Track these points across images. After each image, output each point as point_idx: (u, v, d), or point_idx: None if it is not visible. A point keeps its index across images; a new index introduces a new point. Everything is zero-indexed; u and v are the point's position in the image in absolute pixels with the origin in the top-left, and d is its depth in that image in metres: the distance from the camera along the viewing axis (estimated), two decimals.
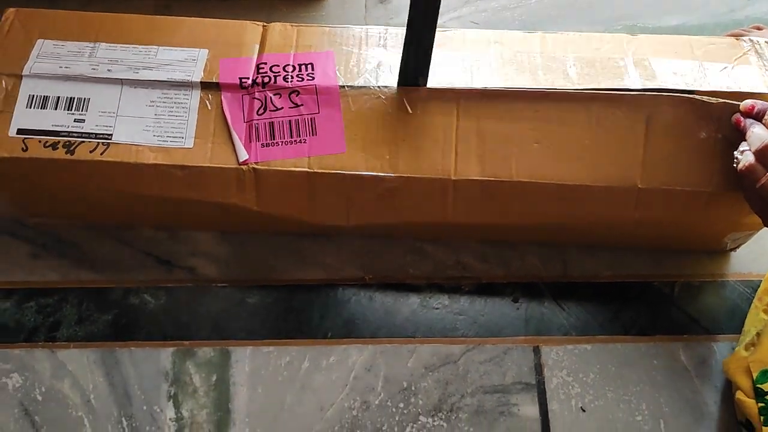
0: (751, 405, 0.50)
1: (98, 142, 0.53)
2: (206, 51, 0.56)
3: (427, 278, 0.60)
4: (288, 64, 0.56)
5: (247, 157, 0.53)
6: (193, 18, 0.59)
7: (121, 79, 0.54)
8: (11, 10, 0.58)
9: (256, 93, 0.54)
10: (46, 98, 0.54)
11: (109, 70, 0.55)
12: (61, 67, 0.55)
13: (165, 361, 0.56)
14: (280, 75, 0.55)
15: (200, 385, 0.55)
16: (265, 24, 0.59)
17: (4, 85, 0.54)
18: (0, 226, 0.61)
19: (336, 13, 0.75)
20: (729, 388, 0.55)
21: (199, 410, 0.55)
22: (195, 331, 0.57)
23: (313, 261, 0.61)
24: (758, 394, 0.50)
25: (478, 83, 0.55)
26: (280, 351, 0.57)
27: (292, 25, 0.59)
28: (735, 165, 0.50)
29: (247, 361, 0.56)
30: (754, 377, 0.51)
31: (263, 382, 0.56)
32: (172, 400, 0.55)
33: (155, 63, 0.55)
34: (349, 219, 0.57)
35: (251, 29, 0.58)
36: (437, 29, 0.55)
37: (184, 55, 0.56)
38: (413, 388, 0.56)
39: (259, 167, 0.53)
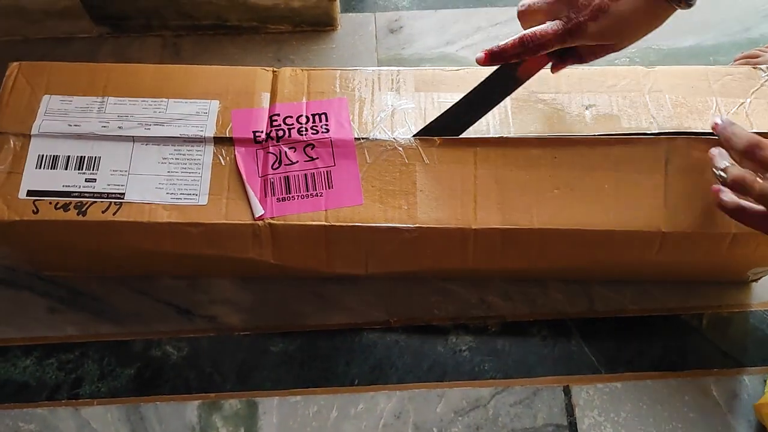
0: None
1: (110, 202, 0.52)
2: (217, 102, 0.55)
3: (452, 319, 0.59)
4: (301, 115, 0.55)
5: (262, 212, 0.52)
6: (201, 66, 0.58)
7: (132, 136, 0.53)
8: (15, 64, 0.56)
9: (271, 147, 0.53)
10: (56, 158, 0.53)
11: (119, 127, 0.54)
12: (70, 125, 0.54)
13: (191, 415, 0.55)
14: (293, 128, 0.54)
15: None
16: (275, 70, 0.57)
17: (12, 145, 0.53)
18: (17, 280, 0.60)
19: (347, 44, 0.73)
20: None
21: None
22: (220, 383, 0.57)
23: (335, 305, 0.60)
24: None
25: (494, 130, 0.54)
26: (308, 400, 0.56)
27: (302, 70, 0.57)
28: (720, 179, 0.48)
29: (275, 412, 0.56)
30: None
31: None
32: None
33: (166, 117, 0.54)
34: (368, 268, 0.56)
35: (261, 76, 0.57)
36: (453, 68, 0.54)
37: (195, 108, 0.55)
38: None
39: (275, 222, 0.52)
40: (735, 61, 0.71)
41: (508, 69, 0.51)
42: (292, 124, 0.54)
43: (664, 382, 0.57)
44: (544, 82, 0.56)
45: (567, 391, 0.57)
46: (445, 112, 0.54)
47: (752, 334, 0.59)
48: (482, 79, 0.53)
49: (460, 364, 0.58)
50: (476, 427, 0.55)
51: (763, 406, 0.53)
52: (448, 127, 0.53)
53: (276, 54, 0.72)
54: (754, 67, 0.58)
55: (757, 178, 0.44)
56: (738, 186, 0.45)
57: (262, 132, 0.54)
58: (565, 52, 0.51)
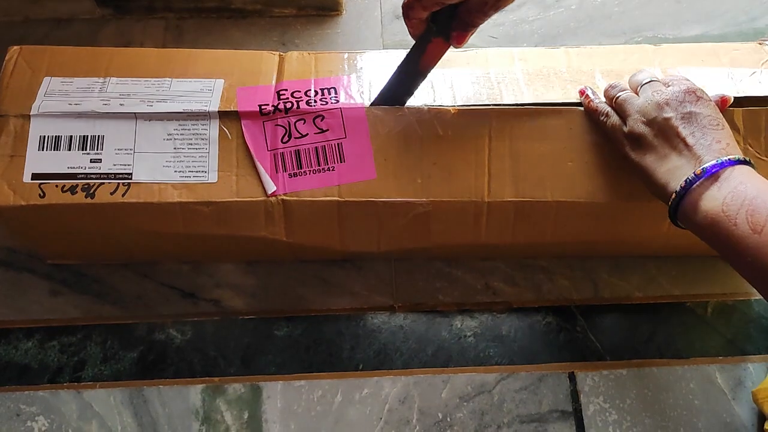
0: None
1: (118, 183, 0.50)
2: (222, 81, 0.54)
3: (457, 304, 0.59)
4: (309, 89, 0.54)
5: (274, 188, 0.51)
6: (205, 50, 0.57)
7: (134, 113, 0.52)
8: (15, 48, 0.55)
9: (279, 119, 0.52)
10: (58, 138, 0.51)
11: (121, 105, 0.52)
12: (70, 104, 0.52)
13: (195, 399, 0.55)
14: (302, 100, 0.53)
15: (232, 423, 0.54)
16: (281, 54, 0.57)
17: (12, 128, 0.51)
18: (18, 263, 0.60)
19: (352, 29, 0.73)
20: None
21: None
22: (224, 367, 0.56)
23: (340, 289, 0.59)
24: None
25: (508, 99, 0.53)
26: (312, 385, 0.56)
27: (309, 53, 0.57)
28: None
29: (279, 396, 0.55)
30: None
31: (296, 418, 0.54)
32: None
33: (169, 95, 0.53)
34: (380, 245, 0.56)
35: (267, 59, 0.56)
36: (460, 49, 0.53)
37: (199, 86, 0.54)
38: (449, 420, 0.55)
39: (288, 199, 0.51)
40: None
41: (413, 62, 0.51)
42: (300, 96, 0.53)
43: (669, 369, 0.57)
44: (554, 57, 0.56)
45: (572, 378, 0.57)
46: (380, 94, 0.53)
47: (757, 322, 0.59)
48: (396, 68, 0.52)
49: (465, 350, 0.57)
50: (481, 413, 0.55)
51: (760, 391, 0.53)
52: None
53: (280, 38, 0.72)
54: (759, 43, 0.58)
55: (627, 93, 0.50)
56: (604, 92, 0.52)
57: (268, 104, 0.52)
58: (449, 24, 0.48)
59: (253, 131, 0.52)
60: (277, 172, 0.51)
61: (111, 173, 0.51)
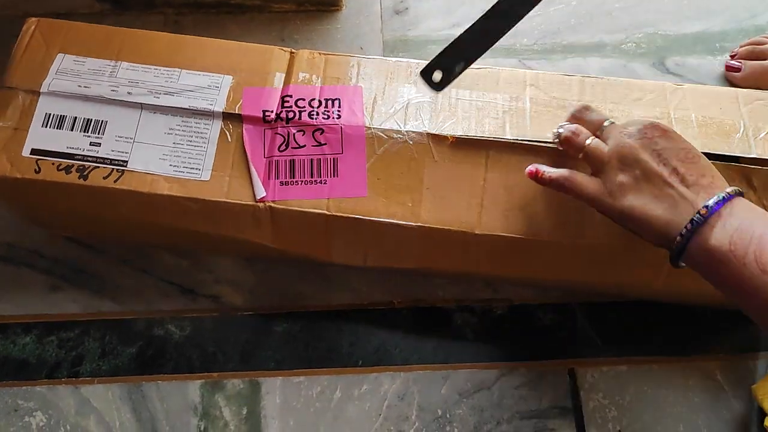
0: None
1: (113, 169, 0.51)
2: (230, 78, 0.54)
3: (457, 301, 0.59)
4: (314, 99, 0.54)
5: (264, 194, 0.51)
6: (216, 40, 0.56)
7: (141, 103, 0.52)
8: (32, 20, 0.55)
9: (279, 128, 0.52)
10: (62, 118, 0.52)
11: (129, 93, 0.53)
12: (80, 86, 0.53)
13: (193, 395, 0.55)
14: (305, 111, 0.53)
15: (231, 418, 0.54)
16: (293, 51, 0.56)
17: (20, 101, 0.52)
18: (17, 257, 0.60)
19: (351, 24, 0.73)
20: None
21: None
22: (223, 362, 0.56)
23: (339, 285, 0.59)
24: None
25: (509, 133, 0.52)
26: (311, 381, 0.56)
27: (320, 53, 0.56)
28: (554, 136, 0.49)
29: (278, 392, 0.55)
30: None
31: (295, 414, 0.54)
32: None
33: (177, 88, 0.53)
34: (366, 261, 0.55)
35: (278, 55, 0.56)
36: (471, 66, 0.52)
37: (207, 81, 0.54)
38: (448, 416, 0.55)
39: (276, 206, 0.51)
40: (741, 47, 0.70)
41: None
42: (304, 107, 0.53)
43: (669, 366, 0.57)
44: (567, 88, 0.55)
45: (572, 374, 0.56)
46: (462, 35, 0.49)
47: None
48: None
49: (464, 347, 0.57)
50: (481, 410, 0.55)
51: (760, 388, 0.53)
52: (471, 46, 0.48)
53: (280, 33, 0.71)
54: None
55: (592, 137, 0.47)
56: (568, 140, 0.48)
57: (272, 112, 0.53)
58: None
59: (253, 136, 0.52)
60: (269, 178, 0.51)
61: (107, 158, 0.51)
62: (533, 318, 0.58)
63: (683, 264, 0.43)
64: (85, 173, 0.51)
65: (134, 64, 0.54)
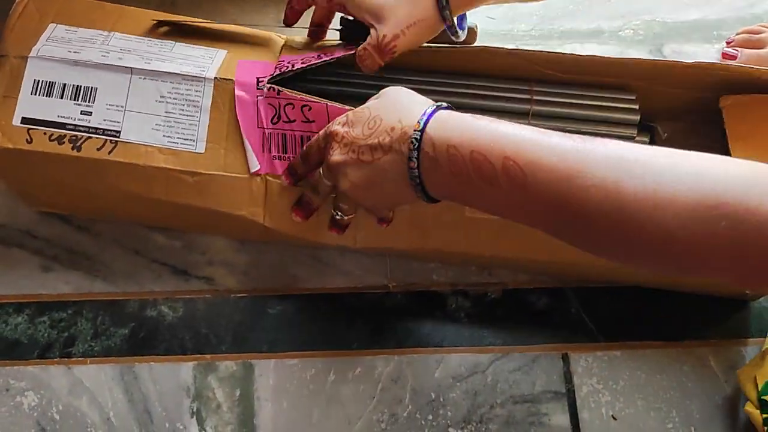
0: (756, 416, 0.50)
1: (106, 139, 0.50)
2: (225, 52, 0.53)
3: (452, 285, 0.59)
4: (312, 56, 0.53)
5: (258, 167, 0.50)
6: (215, 23, 0.56)
7: (130, 68, 0.51)
8: None
9: (271, 99, 0.51)
10: (51, 84, 0.51)
11: (119, 59, 0.52)
12: (70, 51, 0.51)
13: (186, 376, 0.55)
14: (297, 61, 0.52)
15: (224, 400, 0.54)
16: (288, 39, 0.56)
17: (8, 68, 0.51)
18: (9, 237, 0.59)
19: None
20: None
21: (223, 427, 0.53)
22: (216, 344, 0.56)
23: (334, 269, 0.59)
24: (763, 405, 0.50)
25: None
26: (305, 363, 0.55)
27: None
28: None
29: (271, 374, 0.55)
30: (759, 388, 0.50)
31: (288, 396, 0.54)
32: (195, 417, 0.53)
33: (169, 56, 0.52)
34: (356, 242, 0.55)
35: (275, 41, 0.56)
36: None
37: (201, 53, 0.53)
38: (442, 400, 0.55)
39: (270, 180, 0.51)
40: (737, 35, 0.70)
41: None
42: (297, 61, 0.52)
43: (662, 352, 0.57)
44: None
45: (566, 359, 0.56)
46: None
47: (753, 307, 0.59)
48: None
49: (459, 330, 0.57)
50: (474, 393, 0.55)
51: (743, 372, 0.53)
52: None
53: (276, 16, 0.70)
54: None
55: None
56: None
57: (265, 78, 0.52)
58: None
59: (245, 105, 0.51)
60: (263, 151, 0.51)
61: (100, 128, 0.50)
62: (527, 302, 0.58)
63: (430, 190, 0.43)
64: (78, 144, 0.50)
65: (127, 35, 0.53)
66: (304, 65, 0.52)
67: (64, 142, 0.50)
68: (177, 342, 0.56)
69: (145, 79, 0.51)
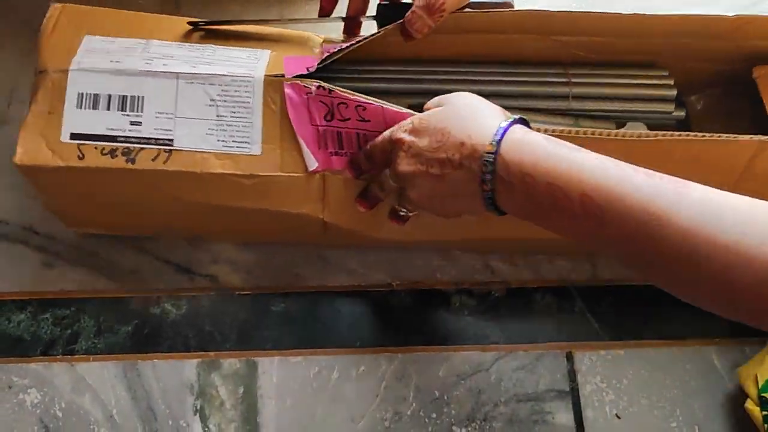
0: (757, 413, 0.50)
1: (159, 149, 0.49)
2: (269, 51, 0.52)
3: (455, 283, 0.59)
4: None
5: (316, 165, 0.49)
6: (250, 26, 0.55)
7: (176, 72, 0.50)
8: (57, 6, 0.53)
9: (322, 98, 0.50)
10: (96, 96, 0.49)
11: (164, 65, 0.50)
12: (111, 61, 0.50)
13: (189, 374, 0.54)
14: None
15: (227, 398, 0.54)
16: (325, 37, 0.56)
17: (50, 83, 0.49)
18: (11, 234, 0.59)
19: None
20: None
21: (227, 424, 0.53)
22: (219, 342, 0.56)
23: (338, 267, 0.59)
24: (763, 402, 0.50)
25: None
26: (309, 361, 0.55)
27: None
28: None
29: (275, 372, 0.55)
30: (760, 386, 0.50)
31: (292, 393, 0.54)
32: (198, 414, 0.53)
33: (213, 59, 0.51)
34: (414, 235, 0.54)
35: (313, 39, 0.56)
36: None
37: (245, 54, 0.52)
38: (446, 398, 0.55)
39: (328, 176, 0.50)
40: None
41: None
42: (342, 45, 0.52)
43: (666, 350, 0.57)
44: None
45: (569, 358, 0.56)
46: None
47: None
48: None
49: (462, 329, 0.57)
50: (478, 391, 0.55)
51: (743, 370, 0.53)
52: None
53: (280, 13, 0.70)
54: None
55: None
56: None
57: (313, 67, 0.50)
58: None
59: (297, 103, 0.50)
60: (319, 148, 0.50)
61: (152, 138, 0.49)
62: (531, 300, 0.58)
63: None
64: (131, 156, 0.48)
65: (167, 42, 0.52)
66: (347, 46, 0.51)
67: (117, 156, 0.48)
68: (181, 339, 0.56)
69: (192, 83, 0.50)
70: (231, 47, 0.53)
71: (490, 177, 0.41)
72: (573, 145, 0.41)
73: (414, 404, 0.54)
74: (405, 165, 0.45)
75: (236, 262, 0.59)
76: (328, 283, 0.58)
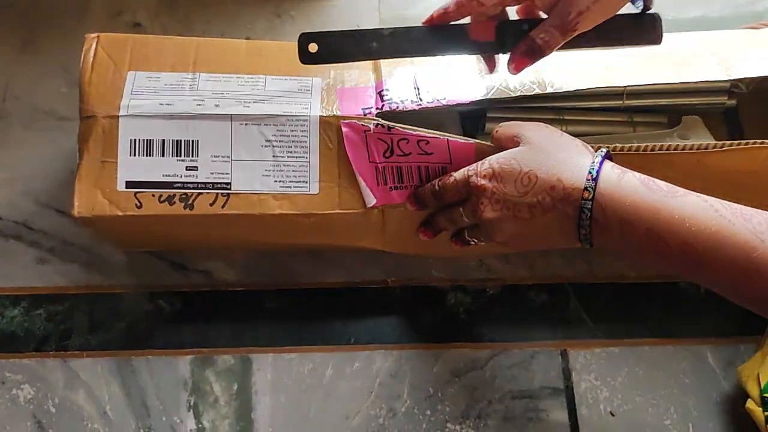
0: (758, 414, 0.50)
1: (217, 193, 0.48)
2: (320, 79, 0.51)
3: (451, 280, 0.59)
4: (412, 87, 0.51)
5: (375, 201, 0.49)
6: (293, 43, 0.55)
7: (230, 114, 0.49)
8: (92, 36, 0.51)
9: (381, 135, 0.49)
10: (149, 142, 0.48)
11: (216, 105, 0.49)
12: (161, 104, 0.49)
13: (183, 370, 0.54)
14: (407, 100, 0.51)
15: (221, 394, 0.54)
16: None
17: (101, 130, 0.48)
18: (5, 229, 0.59)
19: (349, 0, 0.72)
20: None
21: (220, 421, 0.53)
22: (214, 338, 0.55)
23: (333, 264, 0.59)
24: (765, 403, 0.49)
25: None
26: (303, 358, 0.55)
27: None
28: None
29: (269, 368, 0.55)
30: (762, 386, 0.50)
31: (286, 390, 0.54)
32: (192, 411, 0.53)
33: (265, 95, 0.50)
34: (480, 251, 0.56)
35: None
36: None
37: (296, 86, 0.50)
38: (440, 395, 0.55)
39: (387, 210, 0.50)
40: None
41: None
42: (405, 99, 0.50)
43: (661, 348, 0.57)
44: None
45: (564, 355, 0.56)
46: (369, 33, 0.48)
47: None
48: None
49: (457, 326, 0.57)
50: (473, 389, 0.55)
51: (744, 369, 0.53)
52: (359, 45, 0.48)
53: (276, 9, 0.70)
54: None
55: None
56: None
57: (371, 108, 0.50)
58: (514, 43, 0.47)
59: (354, 141, 0.49)
60: (378, 184, 0.49)
61: (209, 182, 0.48)
62: (526, 298, 0.58)
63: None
64: (189, 202, 0.48)
65: (214, 74, 0.50)
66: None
67: (174, 202, 0.48)
68: (175, 336, 0.55)
69: (247, 125, 0.49)
70: (279, 77, 0.51)
71: (588, 223, 0.41)
72: (669, 187, 0.41)
73: (408, 401, 0.54)
74: (490, 212, 0.44)
75: (230, 258, 0.58)
76: (323, 279, 0.58)
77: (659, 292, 0.59)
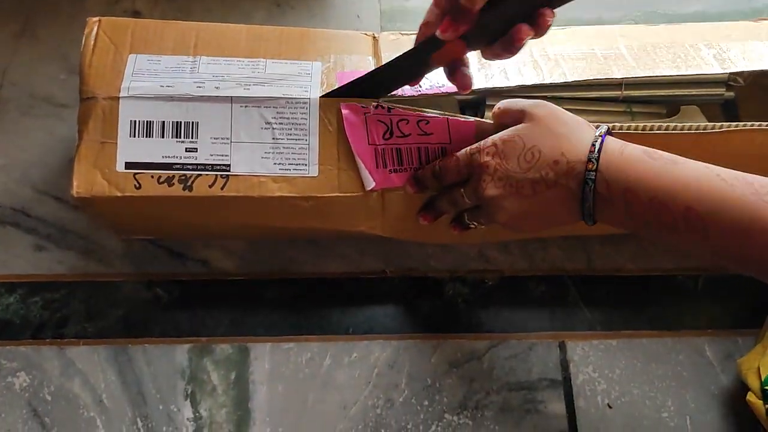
0: (759, 406, 0.50)
1: (216, 175, 0.48)
2: (319, 63, 0.51)
3: (449, 271, 0.58)
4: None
5: (374, 184, 0.49)
6: (295, 28, 0.54)
7: (230, 96, 0.49)
8: (93, 20, 0.51)
9: (381, 116, 0.50)
10: (149, 124, 0.48)
11: (216, 88, 0.49)
12: (162, 86, 0.49)
13: (181, 359, 0.54)
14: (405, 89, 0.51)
15: (219, 383, 0.53)
16: (375, 35, 0.55)
17: (101, 111, 0.48)
18: (2, 216, 0.58)
19: None
20: None
21: (218, 409, 0.53)
22: (212, 327, 0.55)
23: (331, 253, 0.59)
24: (765, 395, 0.50)
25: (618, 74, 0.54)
26: (301, 347, 0.55)
27: (401, 33, 0.55)
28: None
29: (267, 358, 0.54)
30: (762, 379, 0.50)
31: (284, 379, 0.54)
32: (189, 399, 0.53)
33: (265, 78, 0.50)
34: (479, 237, 0.56)
35: (361, 40, 0.55)
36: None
37: (296, 69, 0.51)
38: (438, 386, 0.54)
39: (386, 193, 0.50)
40: None
41: (425, 50, 0.47)
42: (402, 94, 0.51)
43: (659, 341, 0.57)
44: (655, 33, 0.57)
45: (562, 347, 0.56)
46: (360, 78, 0.50)
47: (748, 298, 0.59)
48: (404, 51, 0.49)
49: (456, 317, 0.57)
50: (470, 379, 0.55)
51: (744, 362, 0.53)
52: (360, 91, 0.50)
53: (274, 4, 0.70)
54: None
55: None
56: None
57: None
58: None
59: (353, 123, 0.49)
60: (377, 167, 0.49)
61: (208, 164, 0.48)
62: (525, 289, 0.58)
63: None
64: (188, 183, 0.48)
65: (215, 58, 0.51)
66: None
67: (173, 184, 0.48)
68: (172, 324, 0.55)
69: (247, 107, 0.49)
70: (280, 60, 0.51)
71: (591, 195, 0.41)
72: (670, 156, 0.41)
73: (406, 391, 0.54)
74: (492, 189, 0.44)
75: (229, 247, 0.58)
76: (322, 269, 0.58)
77: (658, 285, 0.59)
